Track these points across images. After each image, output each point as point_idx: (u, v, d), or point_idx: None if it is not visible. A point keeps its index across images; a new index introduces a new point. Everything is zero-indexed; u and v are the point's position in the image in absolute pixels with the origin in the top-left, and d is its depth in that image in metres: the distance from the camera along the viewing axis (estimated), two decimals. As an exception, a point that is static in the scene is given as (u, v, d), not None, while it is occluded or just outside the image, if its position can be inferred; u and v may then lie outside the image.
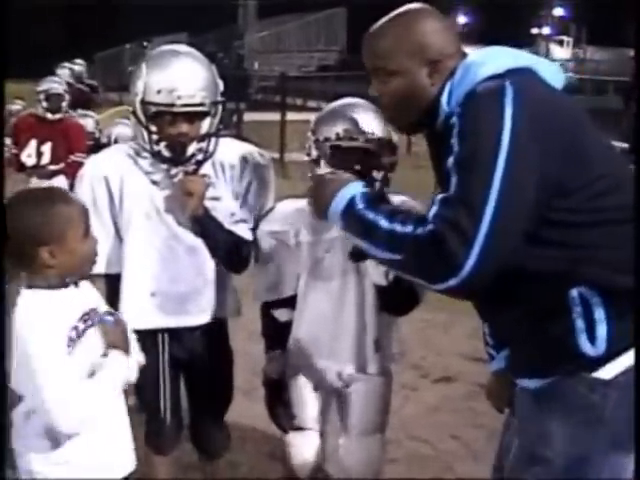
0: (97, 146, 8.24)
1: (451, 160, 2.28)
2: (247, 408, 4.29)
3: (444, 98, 2.42)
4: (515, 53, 2.47)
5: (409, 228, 2.29)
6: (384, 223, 2.33)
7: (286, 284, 3.30)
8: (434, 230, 2.23)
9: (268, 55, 30.06)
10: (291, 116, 15.42)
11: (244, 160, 3.37)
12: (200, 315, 3.33)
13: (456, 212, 2.23)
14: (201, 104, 3.16)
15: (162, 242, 3.26)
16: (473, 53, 2.48)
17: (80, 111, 9.77)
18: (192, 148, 3.20)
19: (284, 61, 29.22)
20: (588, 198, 2.29)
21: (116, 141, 6.58)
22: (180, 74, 3.15)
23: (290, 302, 3.32)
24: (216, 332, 3.42)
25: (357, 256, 2.96)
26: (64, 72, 12.35)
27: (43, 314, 2.46)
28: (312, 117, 3.30)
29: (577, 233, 2.30)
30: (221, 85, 3.27)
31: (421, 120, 2.54)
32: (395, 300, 3.15)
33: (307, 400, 3.37)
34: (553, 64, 2.59)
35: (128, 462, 2.72)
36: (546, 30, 59.30)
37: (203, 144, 3.22)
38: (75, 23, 42.31)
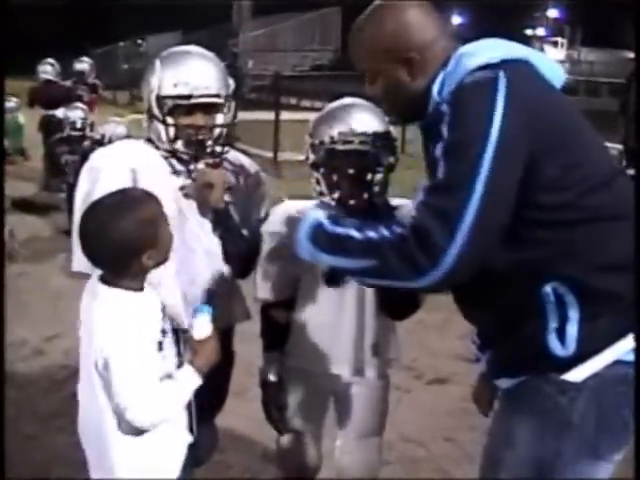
0: (93, 143, 8.25)
1: (439, 147, 2.26)
2: (240, 409, 4.26)
3: (435, 88, 2.38)
4: (510, 45, 2.42)
5: (383, 232, 2.29)
6: (356, 234, 2.34)
7: (286, 286, 3.26)
8: (416, 222, 2.23)
9: (262, 54, 30.02)
10: (285, 115, 15.39)
11: (243, 169, 3.37)
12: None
13: (441, 199, 2.22)
14: (217, 95, 3.17)
15: (182, 243, 3.15)
16: (468, 45, 2.43)
17: (73, 104, 9.82)
18: (209, 142, 3.19)
19: (278, 60, 29.16)
20: (577, 196, 2.25)
21: (110, 140, 6.57)
22: (195, 68, 3.17)
23: (290, 304, 3.29)
24: (225, 336, 3.37)
25: (332, 279, 2.97)
26: (45, 68, 12.30)
27: (135, 316, 2.51)
28: (306, 116, 3.27)
29: (557, 230, 2.26)
30: (232, 84, 3.28)
31: (414, 111, 2.50)
32: (395, 304, 3.12)
33: (304, 403, 3.35)
34: (552, 61, 2.55)
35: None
36: (540, 31, 59.61)
37: (219, 138, 3.22)
38: (70, 21, 42.26)
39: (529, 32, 58.64)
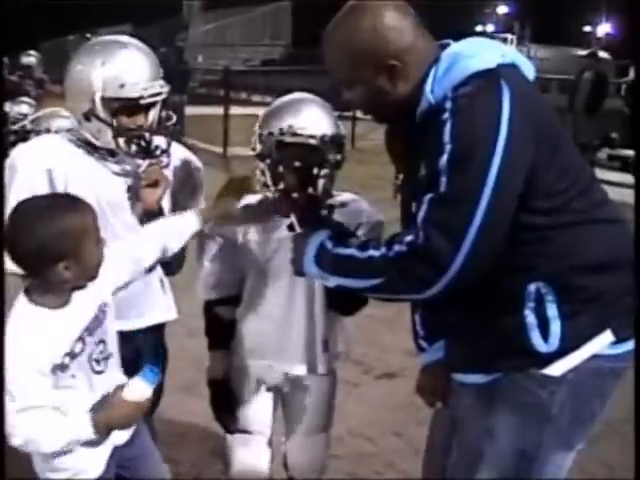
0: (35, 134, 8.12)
1: (444, 159, 2.21)
2: (188, 405, 4.25)
3: (427, 87, 2.34)
4: (500, 46, 2.41)
5: (384, 249, 2.29)
6: (358, 253, 2.34)
7: (232, 283, 3.25)
8: (420, 239, 2.21)
9: (212, 48, 29.91)
10: (235, 110, 15.37)
11: (181, 161, 3.33)
12: (139, 319, 3.24)
13: (446, 214, 2.21)
14: (161, 93, 3.09)
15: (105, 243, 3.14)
16: (456, 44, 2.42)
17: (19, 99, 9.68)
18: (155, 140, 3.12)
19: (228, 55, 29.08)
20: (567, 200, 2.30)
21: (56, 133, 6.46)
22: (138, 65, 3.04)
23: (234, 301, 3.27)
24: (157, 331, 3.34)
25: (344, 307, 3.01)
26: None
27: (32, 335, 2.41)
28: (257, 111, 3.23)
29: (542, 232, 2.29)
30: (161, 71, 3.17)
31: (398, 115, 2.47)
32: (343, 299, 3.11)
33: (252, 401, 3.33)
34: (526, 59, 2.51)
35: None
36: (490, 27, 59.81)
37: (161, 136, 3.15)
38: (19, 14, 41.79)
39: (479, 28, 58.88)
